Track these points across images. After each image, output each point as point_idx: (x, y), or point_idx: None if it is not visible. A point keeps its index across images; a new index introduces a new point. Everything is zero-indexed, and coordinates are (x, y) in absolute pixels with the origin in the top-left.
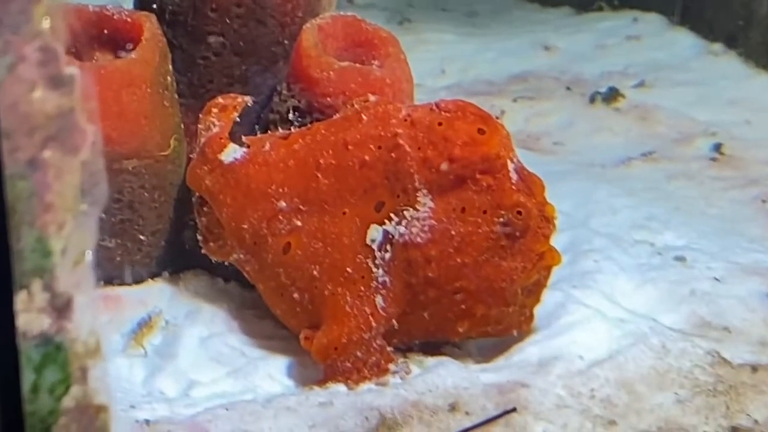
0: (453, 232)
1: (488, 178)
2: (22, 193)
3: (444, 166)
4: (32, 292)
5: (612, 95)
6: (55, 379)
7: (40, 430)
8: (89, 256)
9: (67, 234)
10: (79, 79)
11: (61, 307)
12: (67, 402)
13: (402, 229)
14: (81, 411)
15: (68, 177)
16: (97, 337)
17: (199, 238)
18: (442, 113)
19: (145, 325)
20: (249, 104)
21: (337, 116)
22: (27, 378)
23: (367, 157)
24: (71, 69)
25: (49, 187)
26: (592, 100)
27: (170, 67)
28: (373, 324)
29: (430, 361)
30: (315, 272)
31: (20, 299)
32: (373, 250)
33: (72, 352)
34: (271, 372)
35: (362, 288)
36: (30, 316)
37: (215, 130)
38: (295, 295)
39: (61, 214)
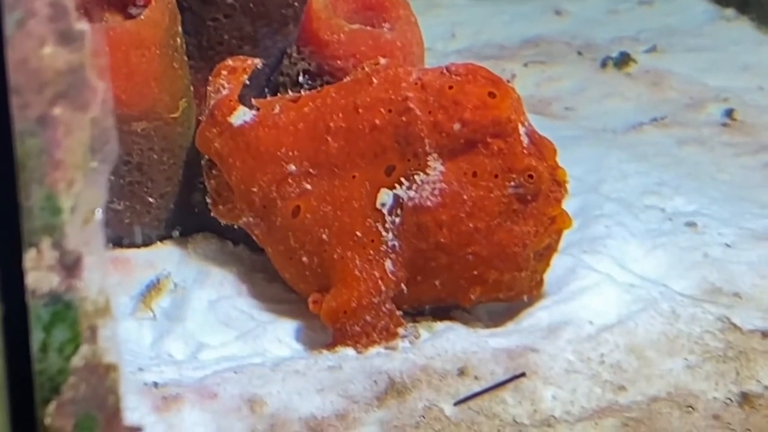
0: (464, 197)
1: (499, 141)
2: (32, 150)
3: (457, 126)
4: (41, 249)
5: (623, 60)
6: (65, 338)
7: (49, 390)
8: (99, 214)
9: (77, 192)
10: (90, 35)
11: (70, 265)
12: (77, 361)
13: (412, 193)
14: (90, 370)
15: (78, 134)
16: (106, 295)
17: (209, 200)
18: (453, 77)
19: (153, 287)
20: (259, 67)
21: (347, 79)
22: (36, 337)
23: (377, 121)
24: (81, 25)
25: (59, 144)
26: (604, 65)
27: (180, 28)
28: (383, 288)
29: (439, 325)
30: (324, 236)
31: (29, 257)
32: (383, 214)
33: (81, 311)
34: (280, 335)
35: (372, 252)
36: (39, 274)
37: (225, 92)
38: (304, 259)
39: (71, 172)
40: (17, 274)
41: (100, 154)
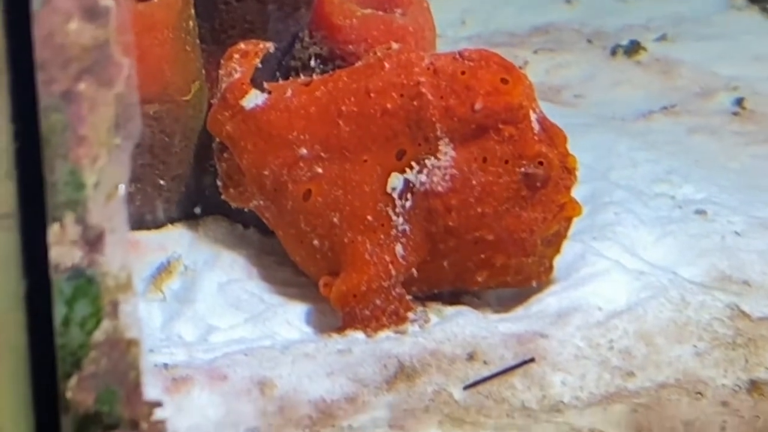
0: (474, 182)
1: (510, 128)
2: (57, 126)
3: (478, 106)
4: (65, 224)
5: (633, 48)
6: (86, 313)
7: (70, 364)
8: (122, 190)
9: (101, 167)
10: (114, 11)
11: (93, 241)
12: (98, 336)
13: (423, 177)
14: (111, 345)
15: (102, 110)
16: (128, 271)
17: (219, 184)
18: (466, 62)
19: (164, 269)
20: (271, 50)
21: (359, 64)
22: (59, 311)
23: (389, 105)
24: (107, 1)
25: (84, 119)
26: (614, 53)
27: (192, 11)
28: (393, 272)
29: (449, 310)
30: (335, 219)
31: (53, 232)
32: (394, 199)
33: (103, 286)
34: (290, 318)
35: (382, 236)
36: (62, 249)
37: (237, 75)
38: (315, 242)
39: (95, 148)
40: (41, 248)
41: (124, 130)
